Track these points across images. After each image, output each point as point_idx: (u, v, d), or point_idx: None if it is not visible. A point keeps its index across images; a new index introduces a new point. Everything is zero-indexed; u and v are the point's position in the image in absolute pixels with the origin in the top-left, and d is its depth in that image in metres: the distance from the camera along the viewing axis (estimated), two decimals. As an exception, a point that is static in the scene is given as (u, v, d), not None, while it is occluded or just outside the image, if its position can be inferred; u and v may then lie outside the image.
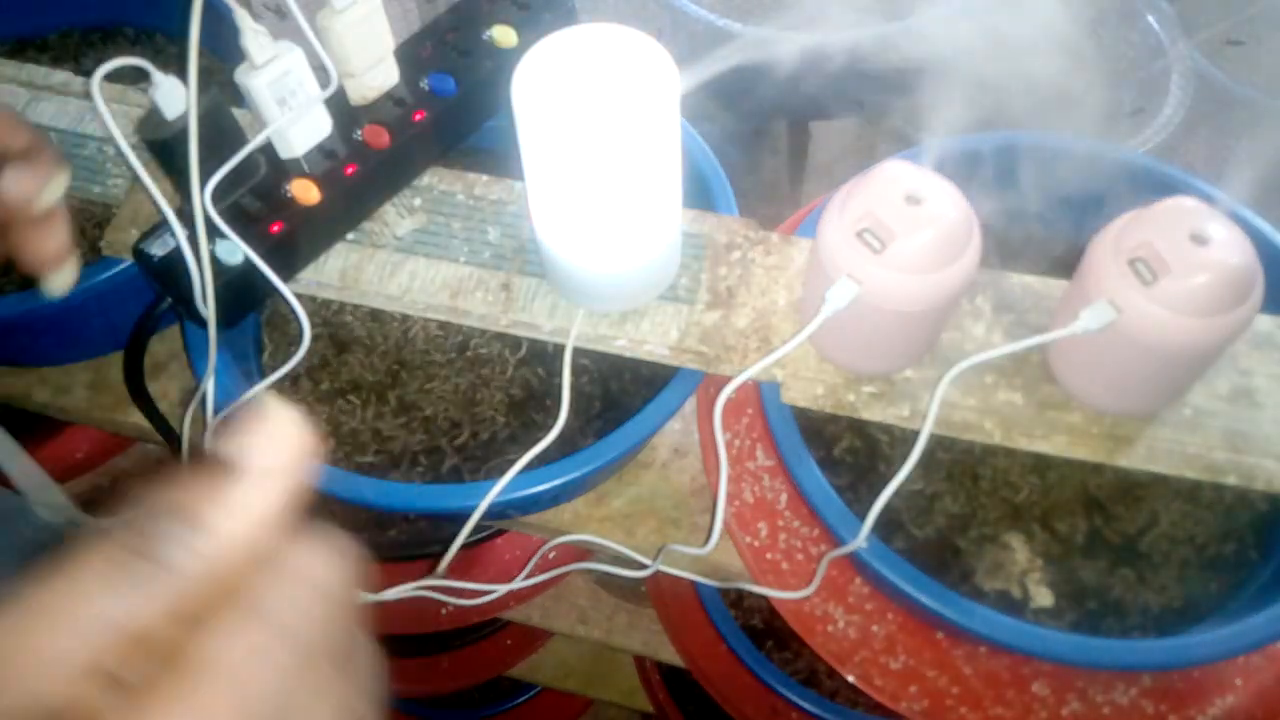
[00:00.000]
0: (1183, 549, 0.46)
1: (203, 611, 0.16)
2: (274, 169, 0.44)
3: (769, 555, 0.47)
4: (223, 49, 0.55)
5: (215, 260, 0.41)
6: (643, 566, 0.50)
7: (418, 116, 0.46)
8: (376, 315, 0.53)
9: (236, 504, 0.17)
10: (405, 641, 0.94)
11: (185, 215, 0.41)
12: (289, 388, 0.52)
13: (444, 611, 0.73)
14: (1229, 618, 0.42)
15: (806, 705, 0.65)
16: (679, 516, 0.52)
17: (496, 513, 0.45)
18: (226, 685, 0.16)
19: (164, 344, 0.56)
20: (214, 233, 0.41)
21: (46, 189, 0.37)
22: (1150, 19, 0.69)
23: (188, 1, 0.35)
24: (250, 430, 0.18)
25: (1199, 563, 0.45)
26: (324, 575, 0.18)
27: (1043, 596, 0.44)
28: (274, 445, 0.18)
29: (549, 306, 0.46)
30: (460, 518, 0.44)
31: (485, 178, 0.49)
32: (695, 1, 0.64)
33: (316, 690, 0.18)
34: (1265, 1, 0.72)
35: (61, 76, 0.52)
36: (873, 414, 0.43)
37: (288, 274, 0.45)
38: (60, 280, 0.39)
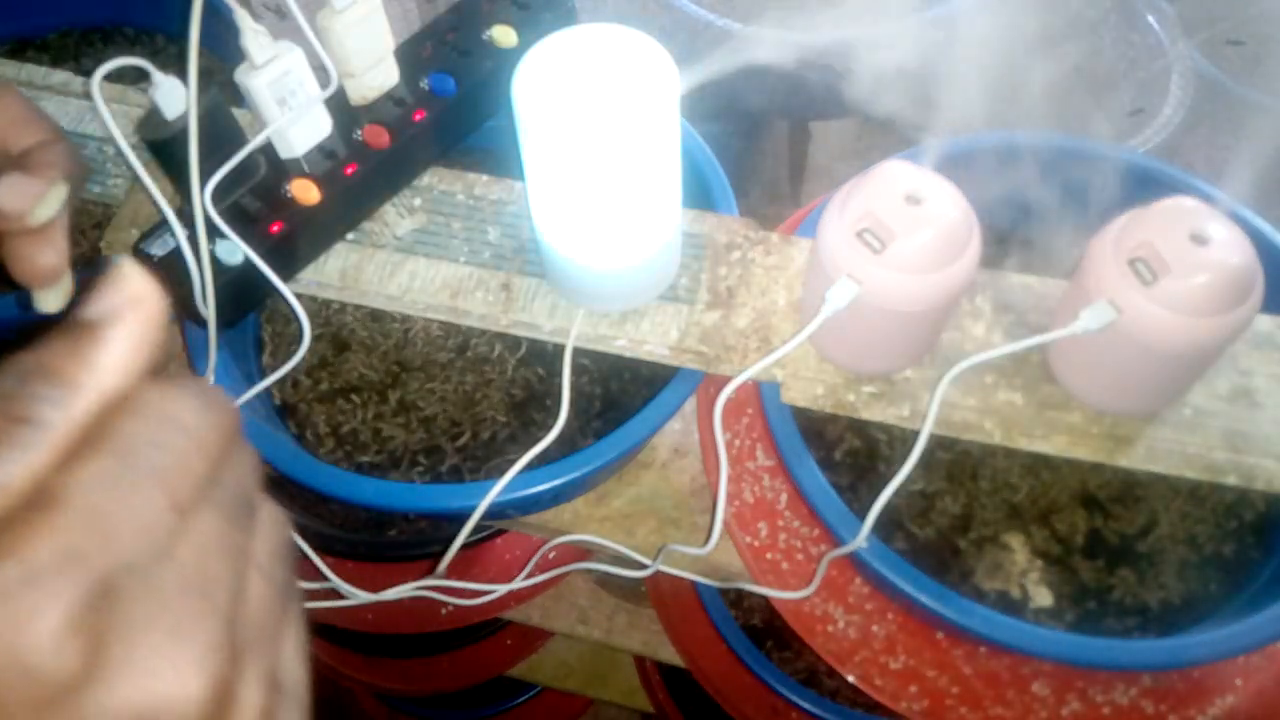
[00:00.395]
0: (1183, 549, 0.46)
1: (71, 461, 0.17)
2: (274, 169, 0.44)
3: (769, 555, 0.47)
4: (223, 49, 0.55)
5: (215, 260, 0.41)
6: (643, 566, 0.50)
7: (418, 116, 0.46)
8: (376, 315, 0.53)
9: (98, 359, 0.18)
10: (405, 641, 0.94)
11: (185, 215, 0.41)
12: (289, 388, 0.52)
13: (444, 611, 0.73)
14: (1229, 618, 0.42)
15: (806, 705, 0.65)
16: (679, 516, 0.52)
17: (496, 513, 0.45)
18: (85, 517, 0.16)
19: (164, 344, 0.56)
20: (214, 233, 0.41)
21: (41, 204, 0.34)
22: (1150, 19, 0.69)
23: (188, 1, 0.35)
24: (104, 289, 0.19)
25: (1199, 563, 0.45)
26: (190, 417, 0.18)
27: (1042, 596, 0.44)
28: (129, 301, 0.19)
29: (549, 306, 0.46)
30: (460, 518, 0.44)
31: (485, 177, 0.49)
32: (695, 1, 0.64)
33: (204, 536, 0.18)
34: (1265, 1, 0.72)
35: (61, 76, 0.52)
36: (873, 414, 0.43)
37: (288, 274, 0.45)
38: (52, 298, 0.37)
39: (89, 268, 0.48)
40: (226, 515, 0.19)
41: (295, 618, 0.21)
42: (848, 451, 0.48)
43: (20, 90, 0.47)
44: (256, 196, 0.43)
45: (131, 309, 0.18)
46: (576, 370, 0.51)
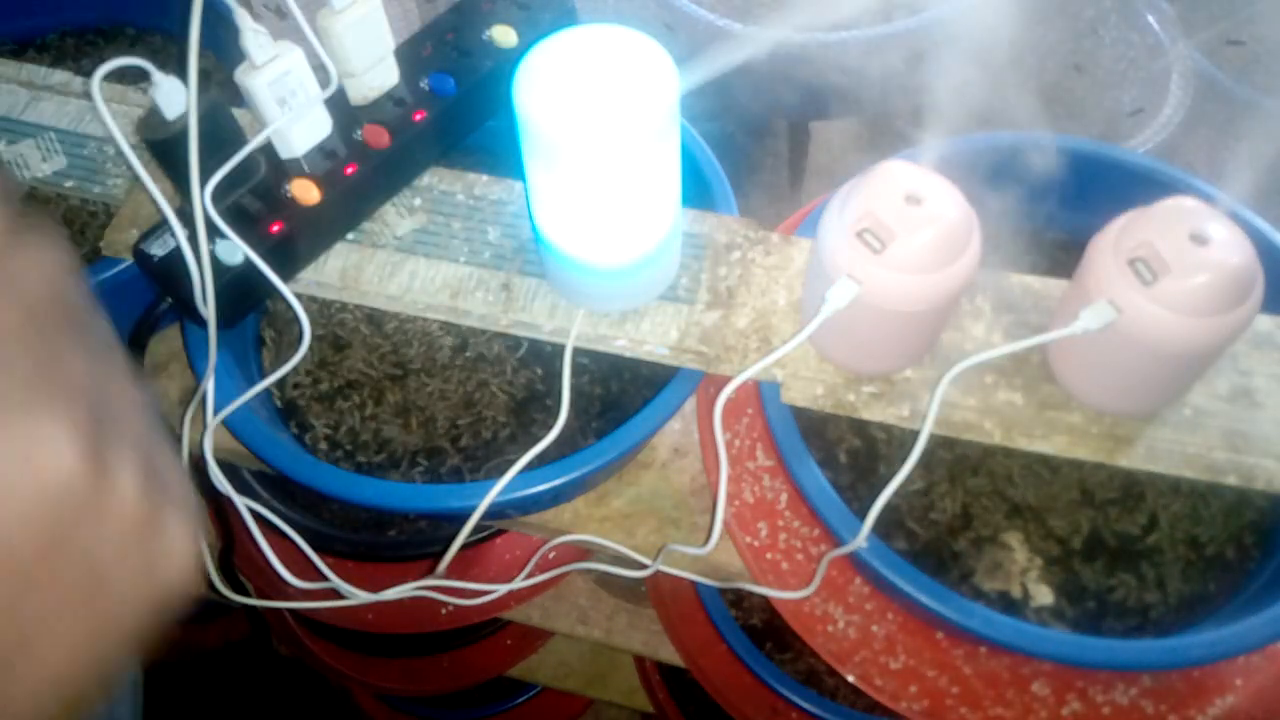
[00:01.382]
0: (1182, 549, 0.46)
1: None
2: (274, 169, 0.44)
3: (769, 555, 0.47)
4: (223, 49, 0.55)
5: (215, 260, 0.41)
6: (643, 566, 0.50)
7: (418, 116, 0.46)
8: (376, 315, 0.53)
9: None
10: (406, 641, 0.94)
11: (185, 215, 0.41)
12: (290, 388, 0.52)
13: (444, 611, 0.73)
14: (1229, 618, 0.42)
15: (806, 705, 0.65)
16: (679, 516, 0.52)
17: (496, 513, 0.45)
18: None
19: (164, 344, 0.56)
20: (214, 233, 0.41)
21: None
22: (1150, 19, 0.69)
23: (188, 2, 0.35)
24: None
25: (1199, 563, 0.45)
26: (35, 249, 0.20)
27: (1043, 596, 0.44)
28: None
29: (549, 306, 0.46)
30: (460, 518, 0.44)
31: (485, 177, 0.49)
32: (695, 1, 0.64)
33: (47, 324, 0.19)
34: (1265, 1, 0.72)
35: (61, 76, 0.52)
36: (873, 414, 0.43)
37: (288, 274, 0.45)
38: None
39: (91, 268, 0.48)
40: (66, 315, 0.20)
41: (166, 440, 0.22)
42: (848, 451, 0.48)
43: (15, 85, 0.47)
44: (256, 196, 0.43)
45: None
46: (576, 370, 0.51)
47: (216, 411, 0.45)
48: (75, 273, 0.21)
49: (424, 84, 0.46)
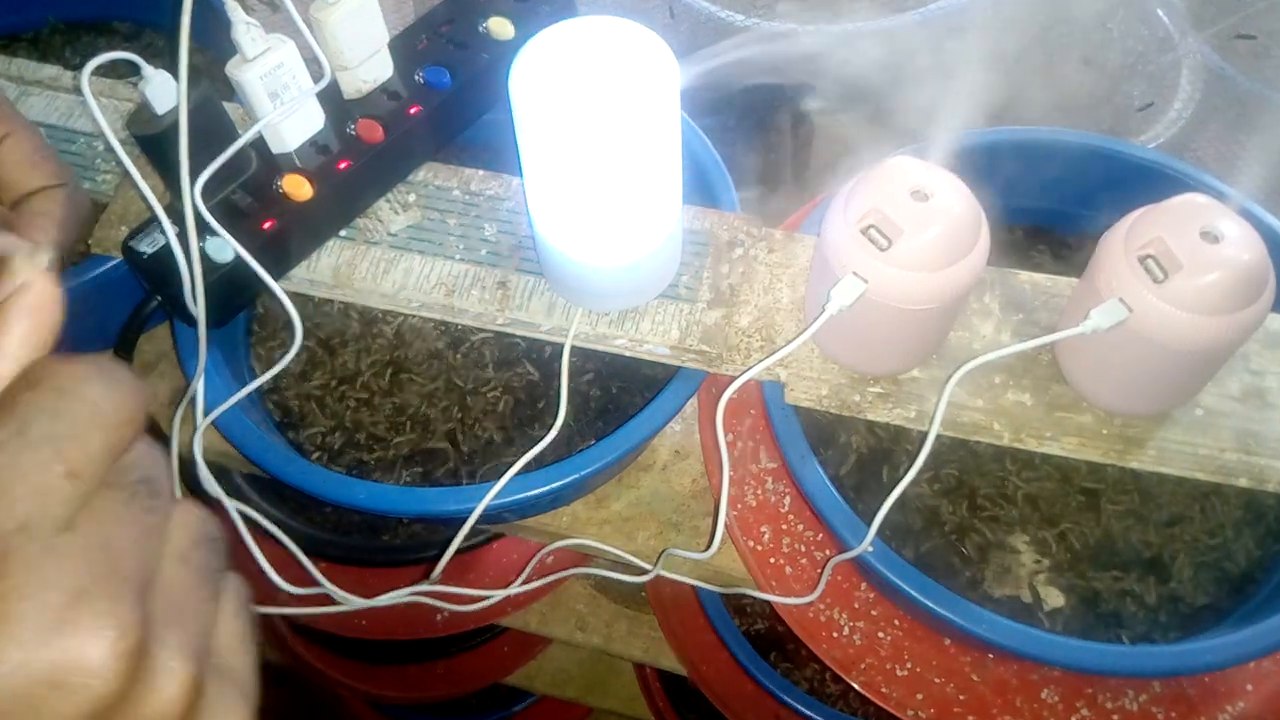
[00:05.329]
0: (1194, 552, 0.45)
1: None
2: (266, 164, 0.43)
3: (772, 560, 0.47)
4: (214, 42, 0.54)
5: (205, 258, 0.41)
6: (643, 571, 0.49)
7: (412, 110, 0.45)
8: (370, 314, 0.53)
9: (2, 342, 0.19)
10: (400, 648, 0.93)
11: (175, 212, 0.40)
12: (281, 388, 0.51)
13: (439, 617, 0.73)
14: (1240, 623, 0.42)
15: (811, 714, 0.65)
16: (680, 520, 0.51)
17: (493, 516, 0.44)
18: None
19: (153, 343, 0.56)
20: (204, 229, 0.40)
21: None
22: (1160, 13, 0.69)
23: (178, -8, 0.34)
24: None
25: (1210, 567, 0.45)
26: (90, 391, 0.19)
27: (1053, 599, 0.44)
28: (24, 288, 0.19)
29: (547, 304, 0.45)
30: (456, 522, 0.43)
31: (481, 173, 0.49)
32: (696, -4, 0.63)
33: (107, 509, 0.18)
34: (1276, -5, 0.71)
35: (51, 71, 0.52)
36: (878, 415, 0.42)
37: (279, 272, 0.44)
38: None
39: (79, 266, 0.47)
40: (130, 493, 0.19)
41: (233, 608, 0.21)
42: (853, 454, 0.47)
43: (4, 80, 0.46)
44: (248, 192, 0.43)
45: (24, 295, 0.19)
46: (575, 370, 0.50)
47: (206, 412, 0.44)
48: (136, 424, 0.20)
49: (419, 77, 0.46)
